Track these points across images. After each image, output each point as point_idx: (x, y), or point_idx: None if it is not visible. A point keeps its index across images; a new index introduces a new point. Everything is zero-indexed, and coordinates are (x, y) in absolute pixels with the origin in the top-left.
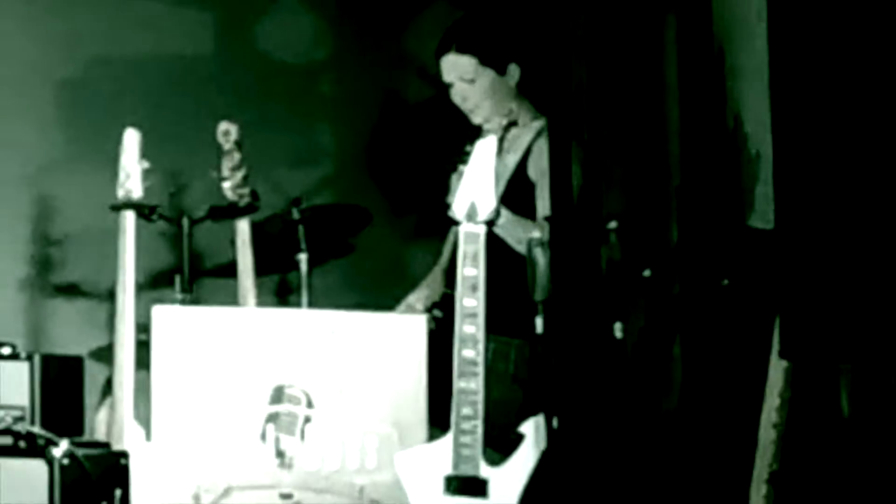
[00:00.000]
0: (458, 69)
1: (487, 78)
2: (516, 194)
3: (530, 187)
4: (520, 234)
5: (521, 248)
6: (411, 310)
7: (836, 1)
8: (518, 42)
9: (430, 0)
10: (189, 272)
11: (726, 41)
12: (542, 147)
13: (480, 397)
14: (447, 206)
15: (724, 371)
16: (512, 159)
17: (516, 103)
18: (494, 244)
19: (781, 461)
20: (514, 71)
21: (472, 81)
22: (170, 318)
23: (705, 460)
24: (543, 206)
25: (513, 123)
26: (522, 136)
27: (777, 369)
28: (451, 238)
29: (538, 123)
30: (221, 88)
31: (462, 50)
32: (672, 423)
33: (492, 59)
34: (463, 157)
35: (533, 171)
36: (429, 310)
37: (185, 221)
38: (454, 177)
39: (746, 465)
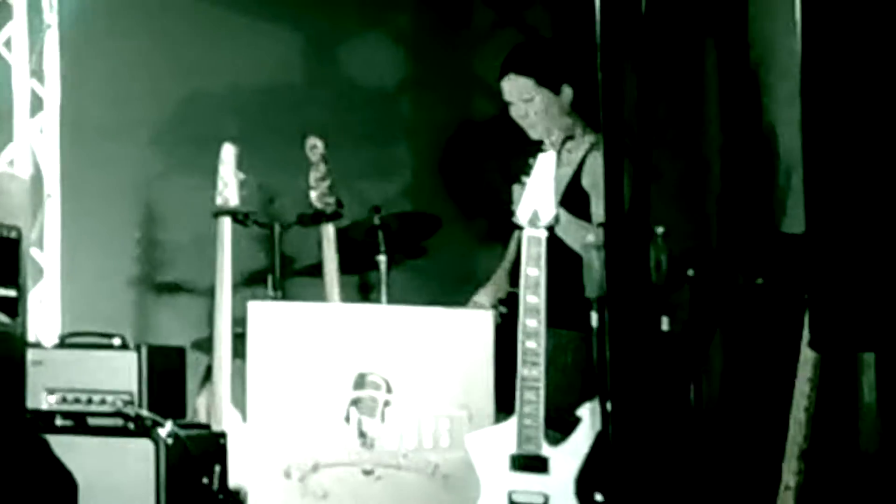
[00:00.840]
0: (517, 89)
1: (543, 97)
2: (571, 203)
3: (584, 196)
4: (578, 237)
5: (579, 248)
6: (478, 306)
7: (866, 17)
8: (571, 65)
9: (496, 28)
10: (280, 272)
11: (762, 62)
12: (594, 160)
13: (541, 384)
14: (511, 213)
15: (759, 360)
16: (567, 171)
17: (570, 120)
18: (554, 248)
19: (810, 439)
20: (567, 91)
21: (529, 100)
22: (263, 312)
23: (743, 439)
24: (597, 213)
25: (569, 138)
26: (576, 150)
27: (806, 358)
28: (513, 242)
29: (590, 138)
30: (310, 107)
31: (521, 72)
32: (713, 406)
33: (547, 81)
34: (526, 170)
35: (586, 182)
36: (494, 306)
37: (277, 227)
38: (516, 187)
39: (779, 443)
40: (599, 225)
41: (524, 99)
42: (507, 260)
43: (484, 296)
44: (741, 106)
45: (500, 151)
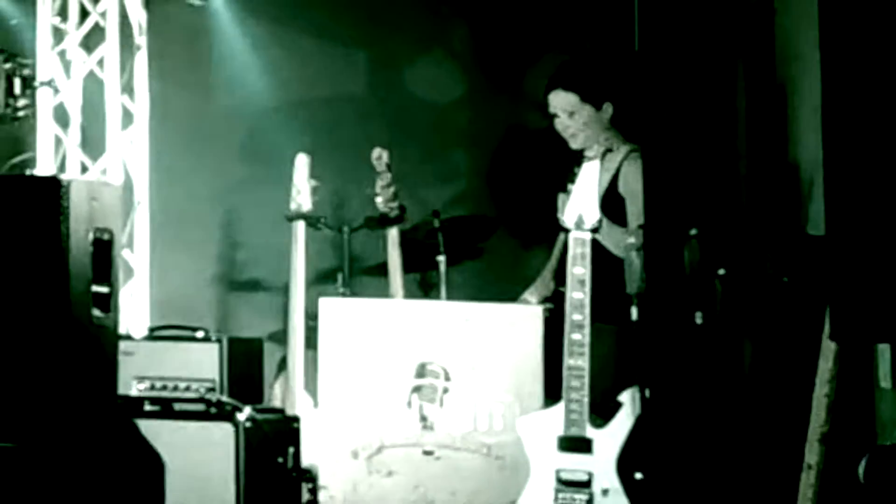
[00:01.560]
0: (562, 103)
1: (586, 112)
2: (609, 208)
3: (621, 201)
4: (617, 240)
5: (618, 252)
6: (526, 303)
7: (883, 34)
8: (612, 83)
9: (545, 49)
10: (348, 271)
11: (787, 80)
12: (628, 169)
13: (586, 372)
14: (558, 218)
15: (784, 350)
16: (605, 178)
17: (609, 133)
18: (596, 249)
19: (830, 423)
20: (608, 107)
21: (573, 114)
22: (333, 308)
23: (769, 422)
24: (632, 216)
25: (608, 150)
26: (613, 160)
27: (827, 349)
28: (559, 244)
29: (625, 149)
30: (375, 120)
31: (567, 87)
32: (742, 393)
33: (590, 97)
34: (571, 177)
35: (623, 188)
36: (541, 302)
37: (346, 230)
38: (561, 195)
39: (803, 426)
40: (639, 227)
41: (568, 113)
42: (553, 259)
43: (533, 293)
44: (769, 120)
45: (547, 161)
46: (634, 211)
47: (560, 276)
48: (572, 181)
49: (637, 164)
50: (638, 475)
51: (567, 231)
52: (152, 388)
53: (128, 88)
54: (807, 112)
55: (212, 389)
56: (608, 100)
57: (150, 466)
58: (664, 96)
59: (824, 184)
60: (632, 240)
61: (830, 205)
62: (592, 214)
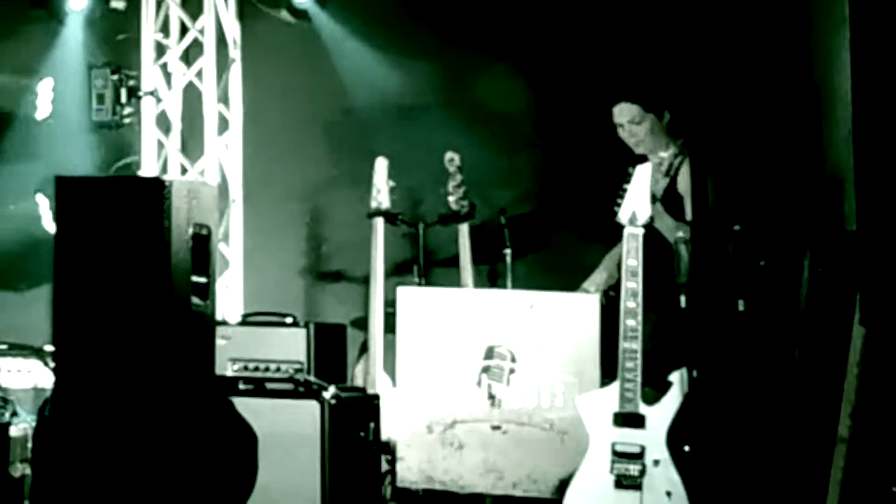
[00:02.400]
0: (628, 114)
1: (649, 120)
2: (669, 205)
3: (680, 199)
4: (669, 227)
5: (669, 236)
6: (586, 292)
7: None
8: (669, 94)
9: (602, 61)
10: (423, 263)
11: (823, 83)
12: (686, 170)
13: (639, 355)
14: (614, 214)
15: (819, 334)
16: (666, 179)
17: (667, 138)
18: (647, 243)
19: (859, 400)
20: (666, 115)
21: (638, 123)
22: (410, 296)
23: (805, 401)
24: (689, 213)
25: (677, 154)
26: (669, 162)
27: (858, 333)
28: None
29: (679, 151)
30: (448, 126)
31: (631, 100)
32: (782, 373)
33: (652, 107)
34: (627, 178)
35: (682, 187)
36: (598, 291)
37: (421, 225)
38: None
39: (836, 404)
40: (687, 222)
41: (633, 122)
42: (616, 251)
43: (591, 283)
44: (806, 122)
45: (602, 162)
46: (688, 205)
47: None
48: (628, 181)
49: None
50: (686, 448)
51: (622, 227)
52: (246, 368)
53: (223, 97)
54: (842, 121)
55: (300, 370)
56: (666, 108)
57: (244, 440)
58: (710, 103)
59: (855, 182)
60: (681, 234)
61: (861, 202)
62: (645, 211)
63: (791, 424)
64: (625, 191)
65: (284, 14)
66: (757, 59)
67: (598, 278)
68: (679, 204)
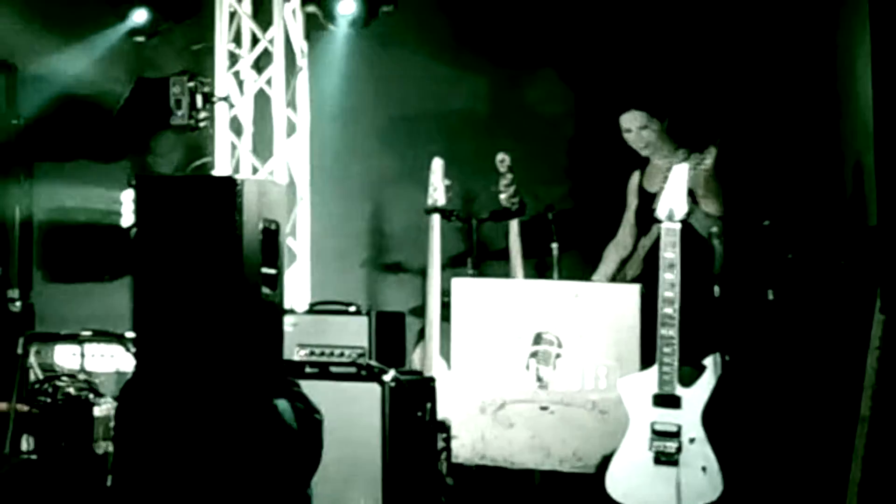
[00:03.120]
0: (635, 120)
1: (655, 125)
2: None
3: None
4: (706, 226)
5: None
6: (623, 281)
7: None
8: (673, 100)
9: (635, 69)
10: (476, 256)
11: (844, 95)
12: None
13: (676, 341)
14: (653, 210)
15: (842, 321)
16: (661, 178)
17: (670, 142)
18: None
19: (879, 382)
20: (666, 121)
21: (644, 128)
22: (464, 286)
23: (829, 383)
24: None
25: (668, 155)
26: (672, 163)
27: (878, 320)
28: (654, 231)
29: (682, 154)
30: (498, 130)
31: (638, 107)
32: (807, 358)
33: (657, 112)
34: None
35: (691, 185)
36: (633, 280)
37: (474, 221)
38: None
39: (858, 385)
40: (720, 217)
41: (640, 127)
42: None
43: (600, 275)
44: (830, 123)
45: (642, 160)
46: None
47: (650, 258)
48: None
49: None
50: (719, 426)
51: (660, 222)
52: (312, 353)
53: (291, 103)
54: (862, 118)
55: (362, 355)
56: (668, 115)
57: (311, 419)
58: (740, 109)
59: (876, 180)
60: (714, 229)
61: (882, 198)
62: (681, 208)
63: (816, 404)
64: (662, 189)
65: (349, 26)
66: (784, 69)
67: (606, 269)
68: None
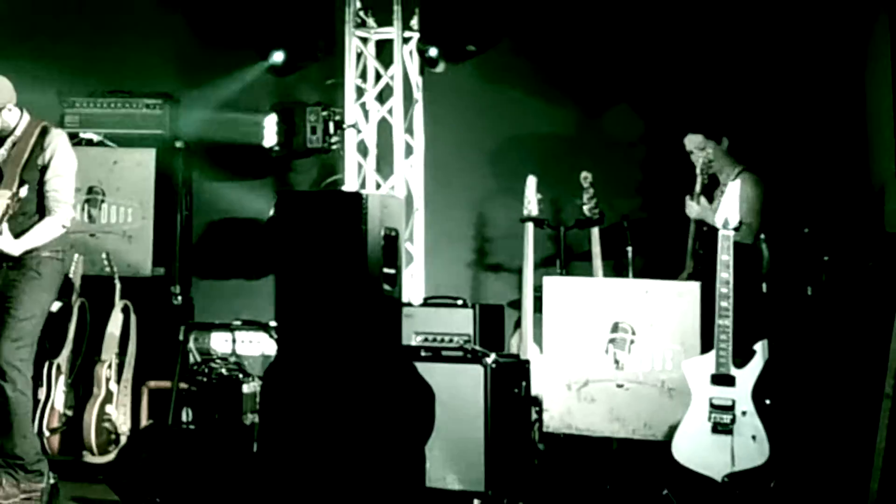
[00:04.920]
0: (694, 143)
1: (711, 146)
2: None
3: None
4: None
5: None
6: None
7: None
8: (725, 125)
9: (701, 99)
10: (564, 258)
11: (869, 119)
12: (742, 183)
13: (731, 329)
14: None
15: (870, 314)
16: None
17: (727, 159)
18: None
19: None
20: (725, 141)
21: (702, 149)
22: (553, 283)
23: (860, 366)
24: (744, 214)
25: (725, 172)
26: (731, 177)
27: None
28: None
29: (738, 169)
30: (582, 152)
31: (695, 130)
32: (841, 344)
33: (711, 134)
34: (721, 189)
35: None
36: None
37: (562, 228)
38: (687, 198)
39: (883, 367)
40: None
41: (699, 148)
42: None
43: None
44: (858, 145)
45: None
46: (745, 209)
47: (695, 258)
48: (722, 192)
49: (746, 179)
50: (767, 401)
51: (717, 230)
52: (426, 340)
53: (409, 129)
54: (884, 138)
55: (468, 341)
56: (724, 134)
57: (425, 395)
58: (781, 131)
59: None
60: (762, 235)
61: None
62: (734, 218)
63: (848, 383)
64: (719, 201)
65: (458, 65)
66: (819, 97)
67: (685, 273)
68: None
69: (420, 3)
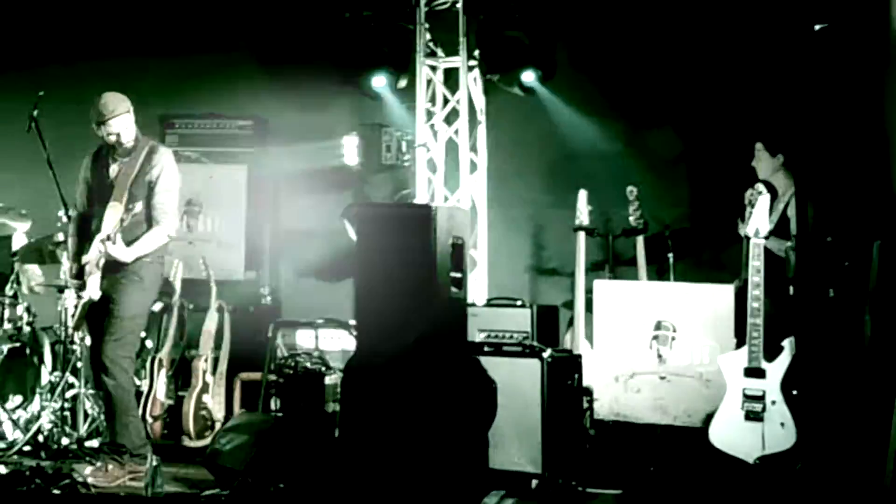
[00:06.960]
0: (758, 150)
1: (768, 157)
2: (781, 224)
3: (787, 221)
4: (779, 247)
5: (780, 253)
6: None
7: None
8: (783, 140)
9: (736, 118)
10: (612, 263)
11: (891, 134)
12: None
13: (762, 327)
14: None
15: (890, 316)
16: (781, 204)
17: (782, 172)
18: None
19: None
20: (780, 155)
21: (759, 160)
22: (603, 286)
23: (879, 362)
24: (793, 229)
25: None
26: (787, 191)
27: None
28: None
29: (791, 183)
30: (629, 168)
31: (758, 140)
32: (863, 340)
33: (769, 148)
34: (750, 201)
35: (790, 212)
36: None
37: (610, 237)
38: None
39: None
40: (794, 235)
41: (757, 160)
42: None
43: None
44: (879, 156)
45: (736, 191)
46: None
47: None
48: (752, 204)
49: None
50: (794, 392)
51: (748, 238)
52: (489, 336)
53: (473, 148)
54: None
55: (526, 338)
56: (780, 151)
57: (487, 386)
58: (812, 150)
59: None
60: (789, 244)
61: None
62: (765, 227)
63: (867, 375)
64: (750, 213)
65: (517, 90)
66: (840, 115)
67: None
68: (787, 224)
69: (477, 35)
